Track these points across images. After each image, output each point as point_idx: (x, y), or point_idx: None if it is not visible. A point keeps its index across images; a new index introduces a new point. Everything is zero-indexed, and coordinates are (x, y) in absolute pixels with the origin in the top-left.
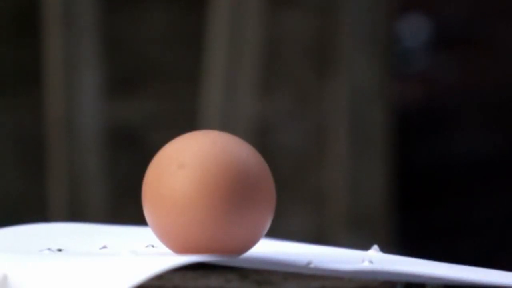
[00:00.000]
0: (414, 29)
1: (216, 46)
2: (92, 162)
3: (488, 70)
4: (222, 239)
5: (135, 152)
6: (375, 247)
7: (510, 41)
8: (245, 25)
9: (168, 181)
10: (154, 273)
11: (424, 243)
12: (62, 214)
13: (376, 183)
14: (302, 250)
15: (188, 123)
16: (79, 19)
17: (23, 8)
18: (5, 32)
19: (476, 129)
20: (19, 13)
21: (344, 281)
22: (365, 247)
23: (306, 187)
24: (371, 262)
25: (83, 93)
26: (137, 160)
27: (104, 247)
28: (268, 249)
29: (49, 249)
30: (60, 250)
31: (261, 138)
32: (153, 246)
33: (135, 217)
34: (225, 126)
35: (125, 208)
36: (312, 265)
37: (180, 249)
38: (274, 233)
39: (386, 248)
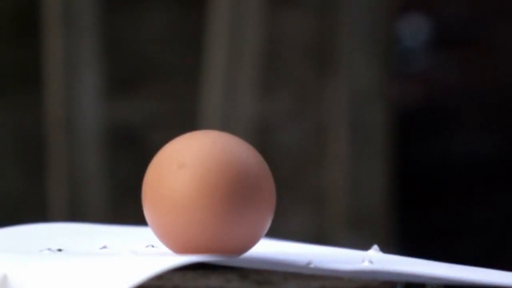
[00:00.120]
0: (414, 29)
1: (216, 46)
2: (92, 162)
3: (488, 70)
4: (222, 239)
5: (135, 152)
6: (375, 247)
7: (510, 41)
8: (245, 25)
9: (168, 181)
10: (154, 273)
11: (424, 243)
12: (62, 214)
13: (376, 183)
14: (302, 250)
15: (188, 123)
16: (79, 19)
17: (23, 8)
18: (5, 32)
19: (476, 129)
20: (19, 13)
21: (344, 281)
22: (365, 247)
23: (306, 187)
24: (371, 262)
25: (83, 93)
26: (137, 160)
27: (104, 247)
28: (268, 249)
29: (49, 249)
30: (60, 250)
31: (261, 138)
32: (153, 246)
33: (135, 217)
34: (225, 126)
35: (125, 208)
36: (312, 265)
37: (180, 249)
38: (274, 233)
39: (386, 248)
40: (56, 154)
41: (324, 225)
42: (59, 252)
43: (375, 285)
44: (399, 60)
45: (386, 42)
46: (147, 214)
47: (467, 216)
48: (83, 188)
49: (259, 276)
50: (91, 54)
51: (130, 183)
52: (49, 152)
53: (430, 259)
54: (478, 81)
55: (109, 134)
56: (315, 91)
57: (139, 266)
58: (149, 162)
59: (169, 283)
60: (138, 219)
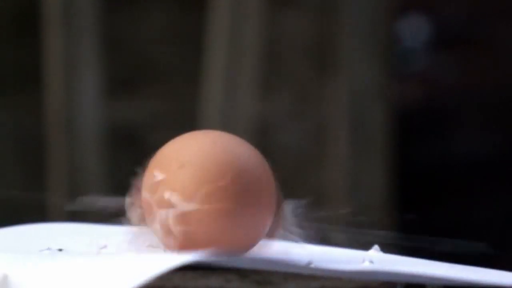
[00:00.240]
0: (414, 29)
1: (216, 46)
2: (92, 162)
3: (488, 70)
4: (223, 239)
5: (135, 152)
6: (376, 247)
7: (510, 41)
8: (245, 25)
9: (168, 181)
10: (155, 274)
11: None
12: (62, 214)
13: (376, 183)
14: (302, 250)
15: (188, 123)
16: (79, 19)
17: (23, 8)
18: (5, 32)
19: (476, 129)
20: (19, 13)
21: (344, 281)
22: (365, 247)
23: (306, 187)
24: (371, 262)
25: (83, 93)
26: (137, 160)
27: (104, 247)
28: (268, 249)
29: (49, 249)
30: (60, 250)
31: (261, 138)
32: (153, 246)
33: None
34: (225, 126)
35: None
36: (312, 265)
37: (180, 250)
38: None
39: (386, 248)
40: (56, 154)
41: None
42: (59, 252)
43: (375, 285)
44: (399, 60)
45: (386, 42)
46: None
47: (467, 216)
48: (83, 188)
49: (259, 276)
50: (91, 54)
51: (130, 183)
52: (49, 152)
53: (430, 259)
54: (478, 81)
55: (109, 134)
56: (315, 91)
57: (139, 267)
58: (149, 162)
59: (169, 283)
60: None
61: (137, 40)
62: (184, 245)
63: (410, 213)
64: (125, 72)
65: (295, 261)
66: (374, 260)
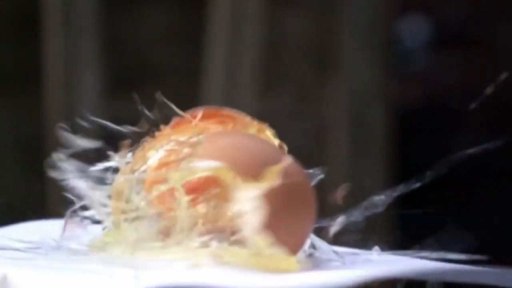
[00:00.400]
0: (414, 29)
1: (216, 46)
2: None
3: (488, 70)
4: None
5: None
6: (376, 248)
7: (510, 41)
8: (245, 25)
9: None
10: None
11: (424, 243)
12: (62, 214)
13: (376, 183)
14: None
15: None
16: (79, 19)
17: (23, 8)
18: (5, 32)
19: (476, 129)
20: (19, 13)
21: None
22: (365, 247)
23: None
24: (370, 260)
25: (83, 93)
26: None
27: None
28: None
29: (48, 247)
30: (59, 247)
31: None
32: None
33: None
34: None
35: None
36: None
37: None
38: None
39: (386, 248)
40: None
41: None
42: (59, 252)
43: (375, 285)
44: (399, 60)
45: (386, 42)
46: None
47: (467, 216)
48: None
49: None
50: (91, 54)
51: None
52: (49, 152)
53: (429, 259)
54: (478, 81)
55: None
56: (315, 91)
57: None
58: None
59: None
60: None
61: (137, 40)
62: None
63: (410, 213)
64: (125, 72)
65: None
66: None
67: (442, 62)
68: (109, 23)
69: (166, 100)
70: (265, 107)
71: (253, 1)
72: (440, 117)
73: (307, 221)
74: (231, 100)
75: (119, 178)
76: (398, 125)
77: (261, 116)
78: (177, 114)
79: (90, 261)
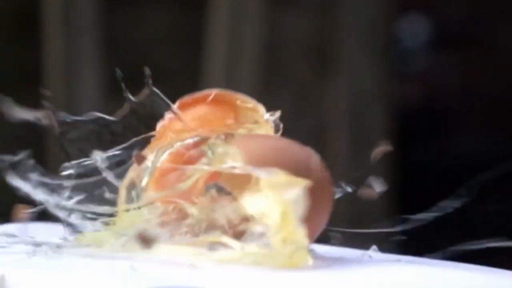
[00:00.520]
0: (414, 29)
1: (216, 46)
2: None
3: (488, 70)
4: None
5: None
6: (374, 247)
7: (510, 41)
8: (245, 25)
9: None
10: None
11: (424, 243)
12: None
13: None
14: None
15: None
16: (79, 19)
17: (23, 8)
18: (5, 32)
19: (476, 129)
20: (19, 13)
21: None
22: (365, 247)
23: None
24: (370, 257)
25: (83, 93)
26: None
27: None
28: None
29: (47, 247)
30: (59, 247)
31: None
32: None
33: None
34: None
35: None
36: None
37: None
38: None
39: (386, 248)
40: (56, 155)
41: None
42: (58, 252)
43: None
44: (399, 60)
45: (386, 42)
46: None
47: (467, 216)
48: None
49: None
50: (91, 54)
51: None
52: (49, 152)
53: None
54: (478, 81)
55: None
56: (315, 91)
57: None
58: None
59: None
60: None
61: (137, 40)
62: None
63: (410, 213)
64: (125, 72)
65: None
66: (373, 256)
67: (442, 62)
68: (109, 23)
69: (156, 90)
70: (265, 107)
71: (253, 1)
72: (440, 117)
73: (324, 216)
74: None
75: (131, 173)
76: (398, 125)
77: None
78: (169, 107)
79: (89, 260)
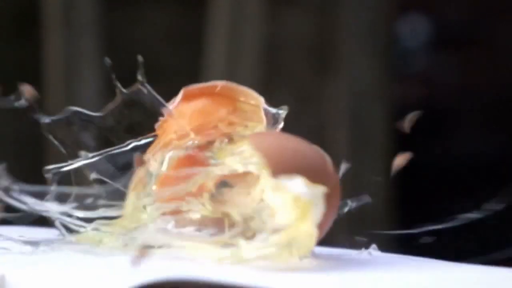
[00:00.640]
0: (414, 29)
1: (216, 46)
2: None
3: (488, 70)
4: None
5: None
6: (374, 246)
7: (510, 41)
8: (245, 25)
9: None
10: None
11: (424, 243)
12: None
13: (376, 183)
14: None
15: None
16: (79, 19)
17: (23, 8)
18: (5, 32)
19: (476, 129)
20: (19, 13)
21: None
22: (365, 247)
23: None
24: (370, 253)
25: (83, 93)
26: None
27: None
28: None
29: (47, 247)
30: (59, 247)
31: None
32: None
33: None
34: None
35: None
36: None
37: None
38: None
39: (386, 248)
40: (56, 155)
41: None
42: (57, 251)
43: None
44: (399, 60)
45: (386, 42)
46: None
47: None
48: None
49: None
50: (91, 54)
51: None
52: (49, 153)
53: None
54: (478, 81)
55: None
56: (315, 91)
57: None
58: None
59: (168, 284)
60: None
61: (137, 40)
62: None
63: (410, 213)
64: (125, 72)
65: None
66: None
67: (442, 62)
68: (109, 23)
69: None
70: None
71: (253, 1)
72: (440, 117)
73: (330, 219)
74: None
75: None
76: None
77: None
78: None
79: (89, 259)
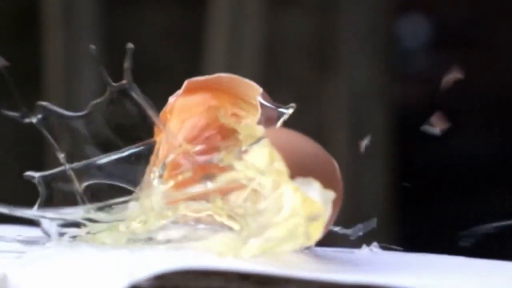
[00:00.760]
0: (414, 29)
1: (216, 46)
2: None
3: (488, 70)
4: None
5: None
6: (375, 244)
7: (510, 41)
8: (245, 25)
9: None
10: (152, 273)
11: (424, 243)
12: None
13: (376, 183)
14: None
15: None
16: (79, 19)
17: (23, 8)
18: (5, 32)
19: (477, 129)
20: (19, 13)
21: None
22: (367, 244)
23: None
24: (371, 250)
25: (83, 93)
26: None
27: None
28: None
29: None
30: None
31: None
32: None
33: None
34: None
35: None
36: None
37: None
38: None
39: (386, 248)
40: (56, 155)
41: None
42: (58, 251)
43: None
44: (399, 60)
45: (386, 42)
46: None
47: (467, 216)
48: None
49: (259, 276)
50: (91, 54)
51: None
52: (49, 153)
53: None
54: (478, 81)
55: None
56: (315, 91)
57: (138, 266)
58: None
59: (169, 283)
60: None
61: (137, 40)
62: None
63: (410, 213)
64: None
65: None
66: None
67: (442, 62)
68: (109, 23)
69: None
70: None
71: (253, 1)
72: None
73: (331, 222)
74: None
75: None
76: (398, 125)
77: None
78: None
79: (91, 258)
